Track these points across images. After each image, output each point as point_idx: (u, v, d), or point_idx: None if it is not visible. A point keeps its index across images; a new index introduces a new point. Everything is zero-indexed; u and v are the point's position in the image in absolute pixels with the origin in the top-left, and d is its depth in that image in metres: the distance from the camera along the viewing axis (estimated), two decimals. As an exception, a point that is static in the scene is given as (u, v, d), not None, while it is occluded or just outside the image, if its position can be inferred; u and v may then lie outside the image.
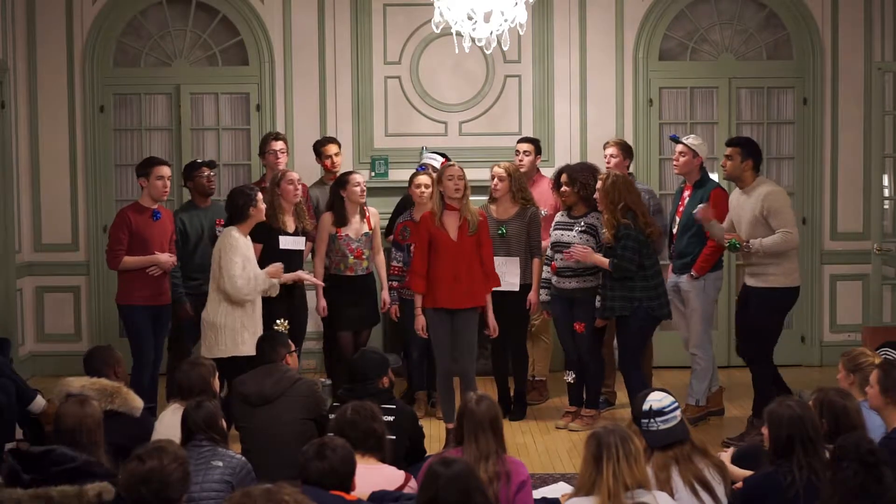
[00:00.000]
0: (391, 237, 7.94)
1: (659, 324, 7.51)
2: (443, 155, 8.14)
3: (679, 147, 7.55)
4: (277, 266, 7.05)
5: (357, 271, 7.62)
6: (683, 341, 7.73)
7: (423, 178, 7.62)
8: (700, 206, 7.25)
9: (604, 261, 7.12)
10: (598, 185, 7.17)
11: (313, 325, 8.18)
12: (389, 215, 8.14)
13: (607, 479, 4.06)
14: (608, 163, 7.79)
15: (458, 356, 7.01)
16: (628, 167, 7.92)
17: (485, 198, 7.75)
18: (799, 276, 7.28)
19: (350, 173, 7.72)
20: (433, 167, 7.85)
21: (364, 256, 7.65)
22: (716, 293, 7.61)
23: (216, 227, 7.63)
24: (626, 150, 7.95)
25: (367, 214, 7.69)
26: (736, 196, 7.31)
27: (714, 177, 8.05)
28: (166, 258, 7.29)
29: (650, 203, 7.67)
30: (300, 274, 7.34)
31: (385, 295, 7.80)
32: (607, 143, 8.05)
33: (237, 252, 6.83)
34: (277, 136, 8.21)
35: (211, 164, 7.89)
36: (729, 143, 7.37)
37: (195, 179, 7.72)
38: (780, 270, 7.09)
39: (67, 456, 4.24)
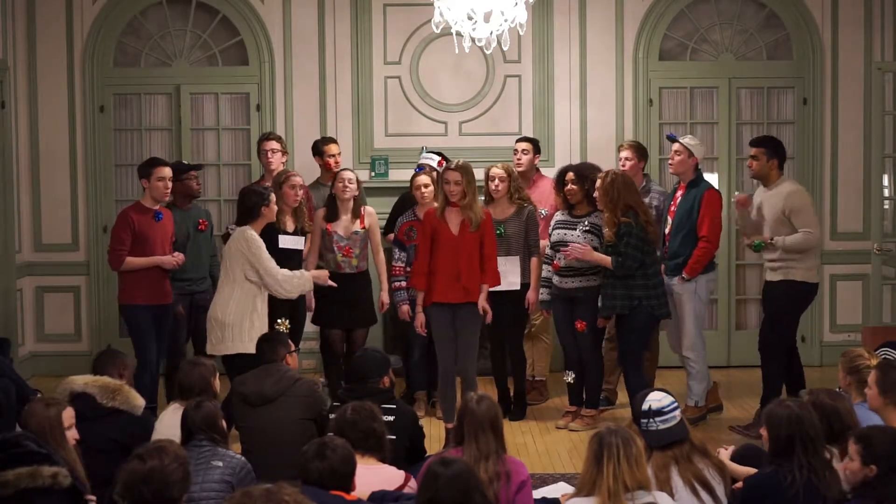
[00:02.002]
0: (391, 236, 7.93)
1: (659, 323, 7.51)
2: (440, 154, 8.13)
3: (675, 146, 7.55)
4: (324, 273, 7.16)
5: (345, 269, 7.61)
6: (670, 343, 7.75)
7: (423, 179, 7.63)
8: (738, 194, 7.33)
9: (605, 258, 7.11)
10: (598, 183, 7.17)
11: (311, 324, 8.18)
12: (388, 215, 8.14)
13: (608, 479, 4.07)
14: (623, 165, 7.76)
15: (459, 355, 7.01)
16: (643, 169, 7.92)
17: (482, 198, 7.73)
18: (817, 275, 7.46)
19: (340, 170, 7.76)
20: (430, 167, 7.87)
21: (353, 255, 7.63)
22: (708, 295, 7.62)
23: (201, 227, 7.68)
24: (640, 152, 7.94)
25: (363, 213, 7.69)
26: (760, 194, 7.43)
27: (713, 177, 8.06)
28: (168, 260, 7.29)
29: (663, 205, 7.69)
30: (313, 273, 7.38)
31: (384, 296, 7.80)
32: (621, 145, 8.06)
33: (264, 250, 6.88)
34: (269, 136, 8.24)
35: (198, 167, 7.91)
36: (754, 143, 7.45)
37: (184, 182, 7.69)
38: (802, 266, 7.25)
39: (26, 442, 4.27)
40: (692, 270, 7.38)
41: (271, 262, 6.88)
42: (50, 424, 4.62)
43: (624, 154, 7.88)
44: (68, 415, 4.74)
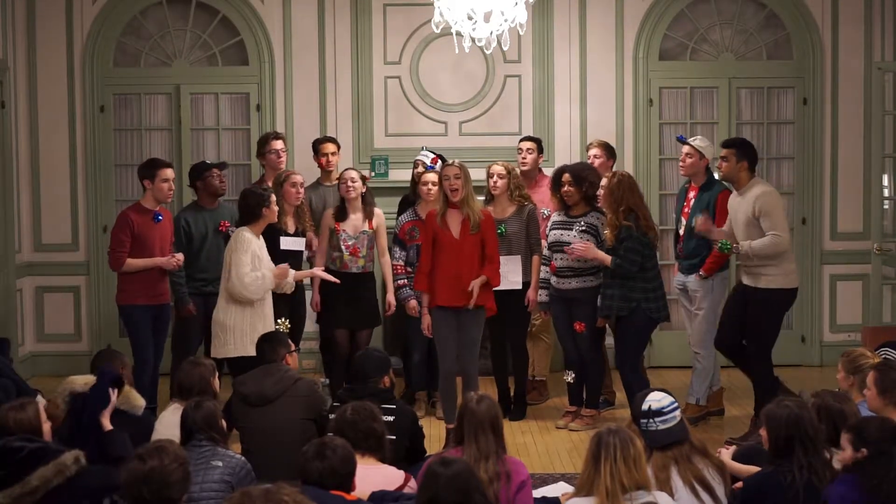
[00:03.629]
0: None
1: (657, 326, 7.50)
2: (438, 156, 8.11)
3: (685, 148, 7.52)
4: (284, 267, 7.03)
5: (352, 268, 7.61)
6: (689, 340, 7.73)
7: (431, 176, 7.61)
8: (698, 217, 7.17)
9: (606, 257, 7.11)
10: (603, 183, 7.18)
11: (311, 324, 8.18)
12: (395, 215, 8.12)
13: (605, 479, 4.07)
14: (592, 163, 7.79)
15: (461, 355, 7.01)
16: (611, 167, 7.91)
17: (482, 198, 7.72)
18: (797, 278, 7.27)
19: (344, 170, 7.76)
20: (424, 163, 7.87)
21: (360, 255, 7.63)
22: (723, 293, 7.59)
23: (221, 228, 7.61)
24: (609, 151, 7.98)
25: (373, 214, 7.68)
26: (732, 197, 7.29)
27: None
28: (167, 261, 7.27)
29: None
30: (315, 271, 7.37)
31: (390, 297, 7.78)
32: (590, 144, 8.09)
33: (247, 252, 6.82)
34: (277, 136, 8.21)
35: (222, 166, 7.86)
36: (724, 145, 7.37)
37: (206, 180, 7.66)
38: (779, 271, 7.06)
39: (19, 444, 4.25)
40: (709, 270, 7.39)
41: (245, 266, 6.78)
42: (31, 425, 4.58)
43: (592, 152, 7.90)
44: (42, 407, 4.74)
